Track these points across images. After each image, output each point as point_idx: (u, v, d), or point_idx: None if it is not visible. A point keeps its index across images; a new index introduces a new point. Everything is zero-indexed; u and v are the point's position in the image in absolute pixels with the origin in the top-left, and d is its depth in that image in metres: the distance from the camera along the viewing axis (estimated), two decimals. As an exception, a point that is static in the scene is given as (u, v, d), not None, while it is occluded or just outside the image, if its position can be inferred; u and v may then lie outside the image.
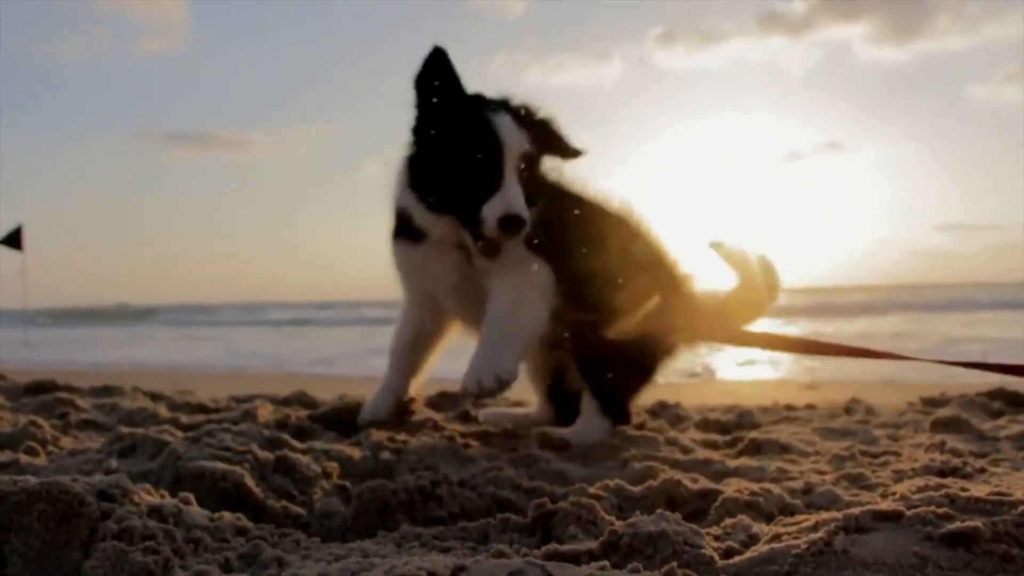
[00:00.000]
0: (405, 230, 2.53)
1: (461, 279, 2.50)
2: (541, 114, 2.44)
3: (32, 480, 1.42)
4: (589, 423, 2.57)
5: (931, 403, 3.49)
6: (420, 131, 2.40)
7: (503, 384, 2.32)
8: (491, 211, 2.24)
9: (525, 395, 3.53)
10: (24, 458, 2.12)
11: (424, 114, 2.38)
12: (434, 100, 2.35)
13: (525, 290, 2.44)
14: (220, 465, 1.86)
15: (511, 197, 2.24)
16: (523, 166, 2.31)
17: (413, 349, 2.79)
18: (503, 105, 2.39)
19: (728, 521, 1.55)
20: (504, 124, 2.30)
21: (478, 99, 2.38)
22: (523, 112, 2.40)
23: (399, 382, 2.80)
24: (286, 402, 3.35)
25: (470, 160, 2.27)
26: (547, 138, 2.43)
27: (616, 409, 2.64)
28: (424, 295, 2.65)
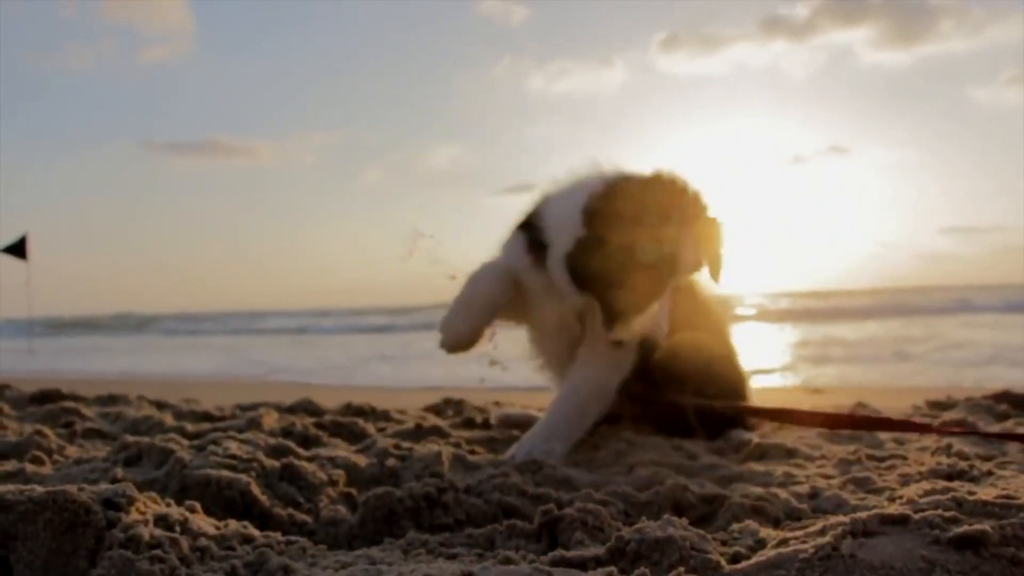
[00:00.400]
0: (535, 247, 2.47)
1: (560, 322, 2.57)
2: (718, 225, 2.41)
3: (38, 489, 1.42)
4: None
5: (937, 406, 3.48)
6: (600, 219, 2.30)
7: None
8: (626, 327, 2.35)
9: (528, 401, 3.52)
10: (30, 467, 2.12)
11: (611, 205, 2.30)
12: (629, 201, 2.30)
13: (606, 371, 2.55)
14: (226, 473, 1.87)
15: (655, 321, 2.38)
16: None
17: (497, 295, 2.56)
18: (691, 203, 2.35)
19: (735, 526, 1.55)
20: (687, 252, 2.33)
21: (674, 202, 2.32)
22: (708, 225, 2.39)
23: (486, 308, 2.53)
24: (291, 410, 3.36)
25: (642, 276, 2.31)
26: (710, 258, 2.44)
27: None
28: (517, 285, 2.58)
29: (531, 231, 2.50)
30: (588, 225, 2.31)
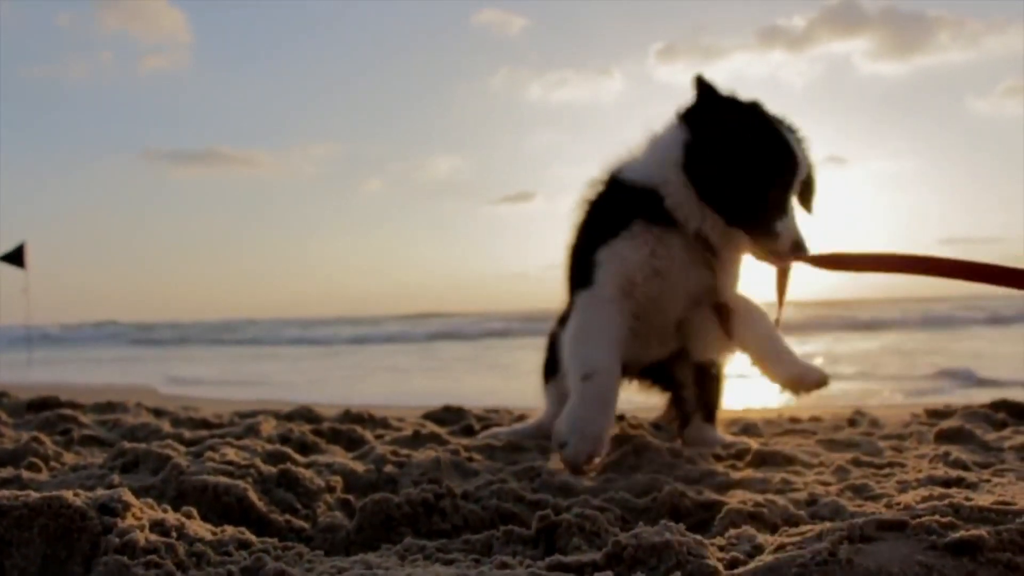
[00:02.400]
0: (653, 214, 2.36)
1: (699, 283, 2.46)
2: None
3: (33, 495, 1.42)
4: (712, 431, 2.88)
5: (935, 415, 3.48)
6: (714, 140, 2.30)
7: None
8: (786, 232, 2.31)
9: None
10: (26, 474, 2.11)
11: (719, 123, 2.31)
12: (731, 110, 2.31)
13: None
14: (223, 479, 1.86)
15: (798, 223, 2.35)
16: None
17: (617, 357, 2.35)
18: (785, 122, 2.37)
19: (732, 532, 1.54)
20: (801, 147, 2.34)
21: (772, 116, 2.34)
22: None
23: (612, 401, 2.29)
24: (289, 417, 3.35)
25: (775, 179, 2.30)
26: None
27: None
28: (634, 291, 2.41)
29: (639, 203, 2.38)
30: (703, 153, 2.29)
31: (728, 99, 2.35)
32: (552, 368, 2.95)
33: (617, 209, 2.43)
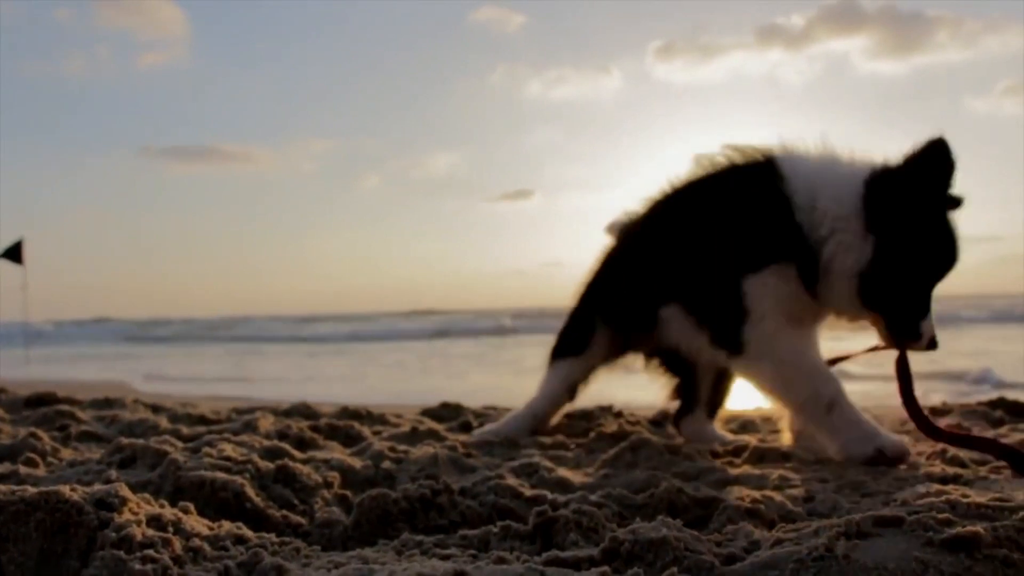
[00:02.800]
0: (806, 268, 2.33)
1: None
2: None
3: (30, 490, 1.42)
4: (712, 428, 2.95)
5: (933, 412, 3.48)
6: (898, 226, 2.22)
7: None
8: (927, 329, 2.32)
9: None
10: (23, 469, 2.11)
11: (911, 210, 2.21)
12: (928, 200, 2.21)
13: None
14: (220, 475, 1.86)
15: (933, 321, 2.33)
16: None
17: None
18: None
19: (729, 528, 1.54)
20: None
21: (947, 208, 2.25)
22: None
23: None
24: (287, 413, 3.35)
25: (938, 278, 2.31)
26: None
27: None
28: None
29: (801, 254, 2.32)
30: (880, 231, 2.23)
31: (919, 187, 2.20)
32: (569, 347, 2.94)
33: (773, 230, 2.35)
